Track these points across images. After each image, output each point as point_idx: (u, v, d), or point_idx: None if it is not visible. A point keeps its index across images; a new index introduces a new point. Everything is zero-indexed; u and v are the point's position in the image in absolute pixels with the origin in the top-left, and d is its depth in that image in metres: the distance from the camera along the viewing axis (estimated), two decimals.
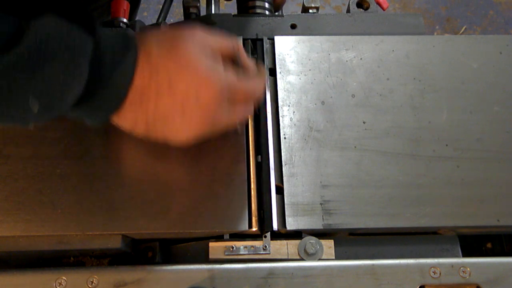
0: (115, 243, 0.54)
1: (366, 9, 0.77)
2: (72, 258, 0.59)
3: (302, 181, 0.58)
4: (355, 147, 0.60)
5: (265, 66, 0.66)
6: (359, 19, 0.74)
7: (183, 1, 0.78)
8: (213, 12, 0.80)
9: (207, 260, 0.56)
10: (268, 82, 0.64)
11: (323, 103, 0.63)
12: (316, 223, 0.56)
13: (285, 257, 0.56)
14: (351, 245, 0.59)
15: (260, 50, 0.67)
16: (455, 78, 0.65)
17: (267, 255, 0.56)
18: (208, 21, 0.73)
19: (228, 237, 0.57)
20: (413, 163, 0.60)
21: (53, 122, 0.59)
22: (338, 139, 0.61)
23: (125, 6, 0.72)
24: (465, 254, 0.60)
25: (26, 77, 0.41)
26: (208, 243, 0.56)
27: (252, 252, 0.56)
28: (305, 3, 0.79)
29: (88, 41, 0.44)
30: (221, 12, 0.79)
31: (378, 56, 0.66)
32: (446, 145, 0.61)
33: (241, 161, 0.58)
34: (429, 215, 0.57)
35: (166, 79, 0.49)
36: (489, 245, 0.65)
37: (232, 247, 0.56)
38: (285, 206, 0.56)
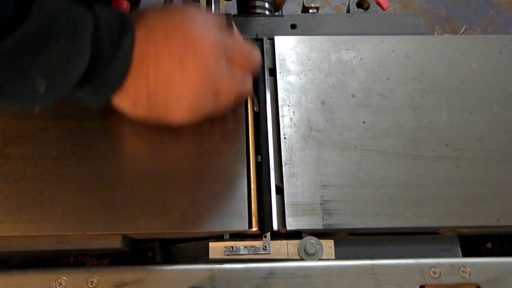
0: (115, 243, 0.54)
1: (366, 9, 0.77)
2: (72, 258, 0.59)
3: (302, 181, 0.58)
4: (355, 147, 0.60)
5: (265, 66, 0.66)
6: (359, 19, 0.74)
7: (183, 2, 0.78)
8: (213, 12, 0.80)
9: (207, 260, 0.56)
10: (268, 82, 0.65)
11: (323, 103, 0.63)
12: (316, 223, 0.56)
13: (285, 257, 0.56)
14: (351, 245, 0.59)
15: (260, 50, 0.67)
16: (455, 78, 0.65)
17: (267, 255, 0.56)
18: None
19: (228, 237, 0.57)
20: (413, 163, 0.60)
21: (53, 122, 0.59)
22: (338, 139, 0.61)
23: (125, 5, 0.72)
24: (465, 254, 0.60)
25: (32, 56, 0.42)
26: (208, 243, 0.56)
27: (252, 252, 0.56)
28: (305, 3, 0.79)
29: (88, 17, 0.45)
30: (221, 12, 0.79)
31: (378, 56, 0.66)
32: (446, 145, 0.61)
33: (241, 161, 0.58)
34: (429, 215, 0.57)
35: (163, 38, 0.50)
36: (489, 245, 0.65)
37: (232, 247, 0.56)
38: (285, 206, 0.56)
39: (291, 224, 0.55)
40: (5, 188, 0.55)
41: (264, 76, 0.65)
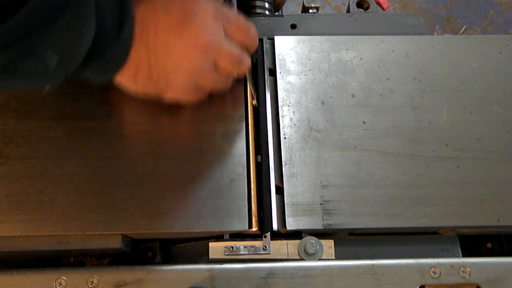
0: (115, 243, 0.54)
1: (366, 9, 0.77)
2: (72, 258, 0.59)
3: (302, 181, 0.58)
4: (355, 147, 0.60)
5: (265, 66, 0.66)
6: (359, 19, 0.74)
7: None
8: None
9: (207, 260, 0.56)
10: (268, 82, 0.64)
11: (323, 103, 0.63)
12: (316, 223, 0.56)
13: (285, 257, 0.56)
14: (351, 245, 0.59)
15: (260, 50, 0.67)
16: (455, 78, 0.65)
17: (267, 255, 0.56)
18: None
19: (228, 237, 0.57)
20: (413, 163, 0.60)
21: (53, 122, 0.59)
22: (338, 139, 0.61)
23: None
24: (465, 254, 0.60)
25: (40, 32, 0.42)
26: (208, 243, 0.56)
27: (252, 252, 0.56)
28: (305, 3, 0.79)
29: None
30: None
31: (378, 56, 0.66)
32: (446, 145, 0.61)
33: (241, 161, 0.58)
34: (429, 215, 0.57)
35: (162, 10, 0.52)
36: (489, 245, 0.65)
37: (232, 247, 0.56)
38: (285, 206, 0.56)
39: (291, 224, 0.55)
40: (5, 188, 0.55)
41: (264, 76, 0.65)
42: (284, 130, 0.61)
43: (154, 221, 0.54)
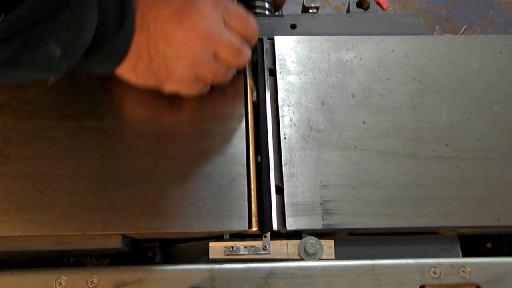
0: (115, 243, 0.54)
1: (366, 9, 0.77)
2: (72, 258, 0.59)
3: (302, 181, 0.58)
4: (355, 147, 0.60)
5: (265, 66, 0.66)
6: (359, 19, 0.74)
7: None
8: None
9: (207, 260, 0.56)
10: (268, 82, 0.64)
11: (323, 103, 0.63)
12: (316, 223, 0.56)
13: (285, 257, 0.56)
14: (351, 245, 0.59)
15: (260, 50, 0.67)
16: (455, 78, 0.65)
17: (267, 255, 0.56)
18: None
19: (228, 237, 0.57)
20: (413, 163, 0.60)
21: (53, 122, 0.59)
22: (338, 139, 0.61)
23: None
24: (465, 254, 0.60)
25: (44, 23, 0.42)
26: (208, 243, 0.56)
27: (252, 252, 0.56)
28: (305, 3, 0.79)
29: None
30: None
31: (378, 56, 0.66)
32: (446, 145, 0.61)
33: (241, 161, 0.58)
34: (429, 215, 0.57)
35: (163, 1, 0.52)
36: (489, 245, 0.65)
37: (232, 247, 0.56)
38: (285, 206, 0.56)
39: (291, 224, 0.55)
40: (5, 188, 0.55)
41: (264, 76, 0.65)
42: (284, 130, 0.61)
43: (154, 221, 0.54)
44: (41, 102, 0.60)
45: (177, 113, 0.61)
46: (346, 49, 0.67)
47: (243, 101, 0.62)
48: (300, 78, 0.64)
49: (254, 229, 0.55)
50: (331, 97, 0.63)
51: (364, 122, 0.62)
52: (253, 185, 0.57)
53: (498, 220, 0.57)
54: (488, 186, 0.59)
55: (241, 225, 0.55)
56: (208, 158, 0.58)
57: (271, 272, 0.53)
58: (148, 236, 0.57)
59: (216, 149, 0.59)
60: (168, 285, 0.52)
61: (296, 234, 0.57)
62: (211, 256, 0.56)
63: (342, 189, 0.58)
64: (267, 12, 0.78)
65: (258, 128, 0.62)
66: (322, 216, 0.56)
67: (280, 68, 0.65)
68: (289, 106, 0.62)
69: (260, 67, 0.66)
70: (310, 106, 0.63)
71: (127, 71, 0.54)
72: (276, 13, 0.81)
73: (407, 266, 0.54)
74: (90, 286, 0.51)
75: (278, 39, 0.67)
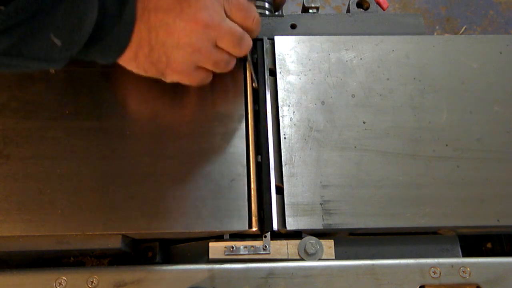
0: (115, 243, 0.54)
1: (366, 9, 0.77)
2: (72, 258, 0.59)
3: (302, 181, 0.58)
4: (355, 147, 0.60)
5: (265, 66, 0.66)
6: (359, 19, 0.74)
7: None
8: None
9: (207, 260, 0.56)
10: (268, 82, 0.65)
11: (323, 103, 0.63)
12: (316, 223, 0.56)
13: (285, 257, 0.56)
14: (351, 245, 0.59)
15: (260, 50, 0.67)
16: (455, 78, 0.65)
17: (267, 255, 0.56)
18: None
19: (228, 237, 0.57)
20: (413, 163, 0.60)
21: (53, 122, 0.59)
22: (338, 139, 0.61)
23: None
24: (465, 254, 0.60)
25: (45, 14, 0.42)
26: (208, 243, 0.56)
27: (252, 252, 0.56)
28: (305, 3, 0.79)
29: None
30: None
31: (378, 56, 0.66)
32: (446, 145, 0.61)
33: (241, 161, 0.58)
34: (429, 215, 0.57)
35: None
36: (489, 245, 0.65)
37: (232, 247, 0.56)
38: (285, 206, 0.56)
39: (291, 224, 0.55)
40: (5, 188, 0.55)
41: (264, 76, 0.65)
42: (284, 130, 0.61)
43: (154, 221, 0.54)
44: (41, 102, 0.60)
45: (177, 113, 0.61)
46: (346, 49, 0.67)
47: (243, 101, 0.62)
48: (300, 78, 0.64)
49: (254, 229, 0.55)
50: (331, 97, 0.63)
51: (364, 122, 0.62)
52: (253, 185, 0.57)
53: (498, 220, 0.57)
54: (488, 186, 0.59)
55: (241, 225, 0.55)
56: (208, 158, 0.58)
57: (271, 272, 0.53)
58: (148, 236, 0.57)
59: (216, 149, 0.59)
60: (168, 285, 0.52)
61: (296, 234, 0.57)
62: (211, 256, 0.56)
63: (342, 189, 0.58)
64: (267, 12, 0.78)
65: (258, 128, 0.62)
66: (322, 216, 0.56)
67: (280, 68, 0.65)
68: (289, 106, 0.62)
69: (260, 67, 0.66)
70: (310, 106, 0.63)
71: (128, 61, 0.54)
72: (276, 13, 0.81)
73: (407, 266, 0.54)
74: (90, 286, 0.51)
75: (278, 39, 0.67)
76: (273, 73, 0.65)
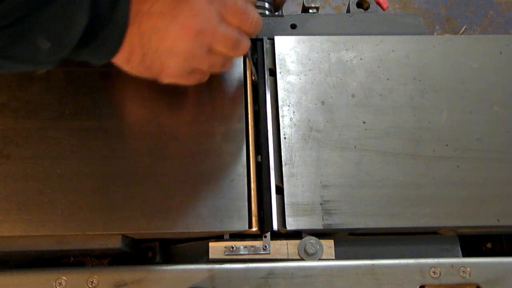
0: (115, 243, 0.54)
1: (366, 9, 0.77)
2: (72, 258, 0.59)
3: (302, 181, 0.58)
4: (355, 147, 0.60)
5: (265, 66, 0.66)
6: (359, 19, 0.74)
7: None
8: None
9: (207, 260, 0.56)
10: (268, 82, 0.65)
11: (323, 103, 0.63)
12: (316, 223, 0.56)
13: (285, 257, 0.56)
14: (351, 245, 0.59)
15: (260, 50, 0.67)
16: (455, 78, 0.65)
17: (267, 255, 0.56)
18: None
19: (228, 237, 0.57)
20: (413, 163, 0.60)
21: (53, 122, 0.59)
22: (338, 139, 0.61)
23: None
24: (465, 254, 0.60)
25: (33, 17, 0.42)
26: (208, 243, 0.56)
27: (252, 252, 0.56)
28: (305, 3, 0.79)
29: None
30: None
31: (378, 56, 0.66)
32: (446, 145, 0.61)
33: (241, 161, 0.58)
34: (429, 215, 0.57)
35: None
36: (489, 245, 0.65)
37: (232, 247, 0.56)
38: (285, 206, 0.56)
39: (291, 224, 0.55)
40: (5, 188, 0.55)
41: (264, 76, 0.65)
42: (284, 130, 0.61)
43: (154, 221, 0.54)
44: (41, 102, 0.60)
45: (177, 113, 0.61)
46: (346, 49, 0.67)
47: (243, 101, 0.62)
48: (300, 78, 0.64)
49: (254, 229, 0.55)
50: (331, 97, 0.63)
51: (364, 122, 0.62)
52: (253, 185, 0.57)
53: (498, 220, 0.57)
54: (488, 186, 0.59)
55: (241, 225, 0.55)
56: (208, 158, 0.58)
57: (271, 272, 0.53)
58: (148, 236, 0.57)
59: (216, 149, 0.59)
60: (168, 285, 0.52)
61: (296, 234, 0.57)
62: (211, 256, 0.56)
63: (342, 189, 0.58)
64: (267, 12, 0.78)
65: (258, 128, 0.62)
66: (322, 216, 0.56)
67: (280, 68, 0.65)
68: (289, 106, 0.62)
69: (260, 67, 0.66)
70: (310, 106, 0.63)
71: (121, 63, 0.53)
72: (276, 13, 0.81)
73: (407, 266, 0.54)
74: (90, 286, 0.51)
75: (278, 39, 0.67)
76: (273, 73, 0.65)
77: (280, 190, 0.58)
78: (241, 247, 0.56)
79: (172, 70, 0.54)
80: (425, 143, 0.61)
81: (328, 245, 0.56)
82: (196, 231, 0.55)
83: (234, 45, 0.55)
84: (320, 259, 0.55)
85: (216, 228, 0.55)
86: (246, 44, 0.57)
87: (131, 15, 0.50)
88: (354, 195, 0.57)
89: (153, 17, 0.50)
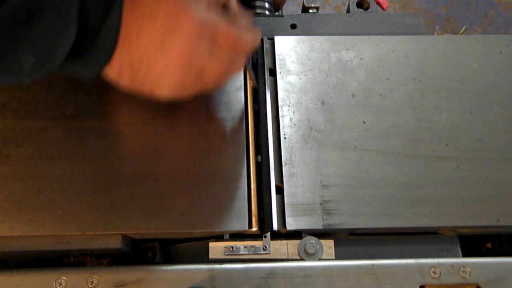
0: (115, 243, 0.54)
1: (366, 9, 0.77)
2: (72, 258, 0.59)
3: (302, 181, 0.58)
4: (355, 147, 0.60)
5: (265, 66, 0.66)
6: (359, 19, 0.74)
7: None
8: None
9: (207, 260, 0.56)
10: (268, 82, 0.65)
11: (323, 103, 0.63)
12: (316, 223, 0.56)
13: (285, 257, 0.56)
14: (351, 245, 0.59)
15: (260, 50, 0.67)
16: (455, 78, 0.65)
17: (267, 255, 0.56)
18: None
19: (228, 237, 0.57)
20: (413, 163, 0.60)
21: (53, 122, 0.59)
22: (338, 139, 0.61)
23: None
24: (465, 254, 0.60)
25: (18, 32, 0.41)
26: (208, 243, 0.56)
27: (252, 252, 0.56)
28: (305, 3, 0.79)
29: None
30: None
31: (378, 56, 0.66)
32: (446, 145, 0.61)
33: (241, 161, 0.58)
34: (429, 215, 0.57)
35: (147, 12, 0.48)
36: (489, 245, 0.65)
37: (232, 247, 0.56)
38: (285, 206, 0.56)
39: (291, 224, 0.55)
40: (5, 188, 0.55)
41: (264, 76, 0.65)
42: (284, 130, 0.61)
43: (154, 221, 0.54)
44: (41, 102, 0.60)
45: (177, 113, 0.61)
46: (346, 49, 0.67)
47: (243, 101, 0.62)
48: (300, 78, 0.64)
49: (254, 229, 0.55)
50: (331, 97, 0.63)
51: (364, 122, 0.62)
52: (253, 185, 0.57)
53: (498, 220, 0.57)
54: (488, 186, 0.59)
55: (241, 225, 0.55)
56: (208, 158, 0.58)
57: (271, 272, 0.53)
58: (148, 236, 0.57)
59: (216, 149, 0.59)
60: (168, 285, 0.52)
61: (296, 234, 0.57)
62: (211, 256, 0.56)
63: (342, 189, 0.58)
64: (267, 12, 0.78)
65: (258, 128, 0.62)
66: (322, 216, 0.56)
67: (280, 68, 0.65)
68: (289, 106, 0.62)
69: (260, 67, 0.66)
70: (310, 106, 0.63)
71: (111, 79, 0.52)
72: (276, 13, 0.81)
73: (407, 266, 0.54)
74: (90, 286, 0.51)
75: (278, 39, 0.67)
76: (273, 73, 0.65)
77: (280, 190, 0.58)
78: (241, 247, 0.56)
79: (164, 89, 0.53)
80: (425, 143, 0.61)
81: (328, 245, 0.56)
82: (196, 231, 0.55)
83: (226, 73, 0.55)
84: (320, 259, 0.55)
85: (216, 228, 0.55)
86: (239, 66, 0.56)
87: (122, 30, 0.48)
88: (354, 195, 0.57)
89: (142, 38, 0.49)
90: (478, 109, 0.63)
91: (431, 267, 0.53)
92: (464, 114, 0.63)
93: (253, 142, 0.60)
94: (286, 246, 0.56)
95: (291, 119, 0.62)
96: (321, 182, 0.58)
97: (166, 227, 0.54)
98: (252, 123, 0.62)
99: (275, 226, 0.56)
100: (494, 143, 0.61)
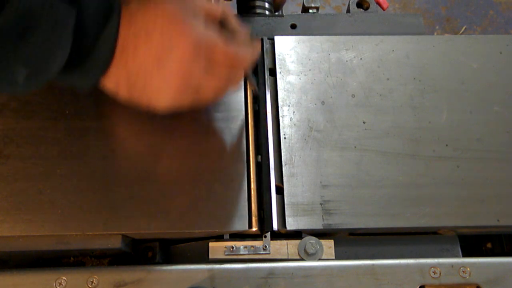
0: (115, 243, 0.54)
1: (366, 9, 0.77)
2: (72, 258, 0.59)
3: (302, 181, 0.58)
4: (355, 147, 0.60)
5: (265, 66, 0.66)
6: (359, 19, 0.74)
7: None
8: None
9: (207, 260, 0.56)
10: (268, 82, 0.64)
11: (323, 103, 0.63)
12: (316, 223, 0.56)
13: (285, 257, 0.56)
14: (351, 245, 0.59)
15: (260, 50, 0.67)
16: (455, 78, 0.65)
17: (267, 255, 0.56)
18: None
19: (228, 237, 0.57)
20: (413, 163, 0.60)
21: (53, 122, 0.59)
22: (338, 139, 0.61)
23: None
24: (465, 254, 0.60)
25: (11, 47, 0.41)
26: (208, 243, 0.56)
27: (252, 252, 0.56)
28: (305, 3, 0.79)
29: (70, 10, 0.44)
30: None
31: (378, 56, 0.66)
32: (446, 145, 0.61)
33: (241, 161, 0.58)
34: (429, 215, 0.57)
35: (143, 29, 0.48)
36: (489, 245, 0.65)
37: (232, 247, 0.56)
38: (285, 206, 0.56)
39: (291, 224, 0.55)
40: (5, 188, 0.55)
41: (264, 76, 0.65)
42: (284, 130, 0.61)
43: (154, 221, 0.54)
44: (41, 102, 0.60)
45: (177, 113, 0.61)
46: (346, 49, 0.67)
47: (243, 101, 0.62)
48: (300, 78, 0.64)
49: (254, 229, 0.55)
50: (331, 97, 0.63)
51: (364, 122, 0.62)
52: (253, 185, 0.57)
53: (498, 220, 0.57)
54: (488, 186, 0.59)
55: (241, 225, 0.55)
56: (208, 158, 0.58)
57: (271, 272, 0.53)
58: (148, 236, 0.57)
59: (216, 149, 0.59)
60: (168, 285, 0.52)
61: (296, 234, 0.57)
62: (211, 256, 0.56)
63: (342, 189, 0.58)
64: (267, 12, 0.78)
65: (258, 128, 0.62)
66: (322, 216, 0.56)
67: (280, 68, 0.65)
68: (289, 106, 0.62)
69: (260, 67, 0.66)
70: (310, 106, 0.63)
71: (110, 91, 0.52)
72: (276, 13, 0.81)
73: (407, 266, 0.54)
74: (90, 286, 0.51)
75: (278, 39, 0.67)
76: (273, 73, 0.65)
77: (280, 190, 0.58)
78: (241, 247, 0.56)
79: (161, 103, 0.53)
80: (425, 143, 0.61)
81: (328, 245, 0.56)
82: (196, 231, 0.55)
83: (222, 90, 0.55)
84: (320, 259, 0.55)
85: (216, 228, 0.55)
86: (237, 82, 0.57)
87: (119, 44, 0.48)
88: (354, 195, 0.57)
89: (138, 54, 0.48)
90: (478, 109, 0.63)
91: (431, 267, 0.53)
92: (464, 114, 0.63)
93: (253, 142, 0.60)
94: (286, 246, 0.56)
95: (291, 119, 0.62)
96: (321, 182, 0.58)
97: (166, 227, 0.54)
98: (252, 123, 0.62)
99: (275, 226, 0.56)
100: (494, 143, 0.61)
